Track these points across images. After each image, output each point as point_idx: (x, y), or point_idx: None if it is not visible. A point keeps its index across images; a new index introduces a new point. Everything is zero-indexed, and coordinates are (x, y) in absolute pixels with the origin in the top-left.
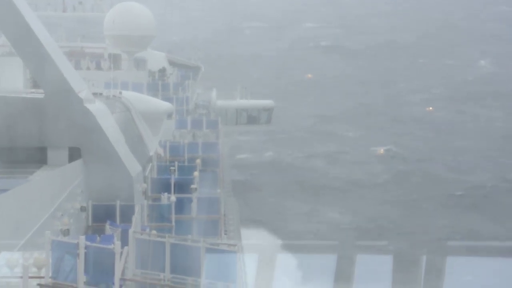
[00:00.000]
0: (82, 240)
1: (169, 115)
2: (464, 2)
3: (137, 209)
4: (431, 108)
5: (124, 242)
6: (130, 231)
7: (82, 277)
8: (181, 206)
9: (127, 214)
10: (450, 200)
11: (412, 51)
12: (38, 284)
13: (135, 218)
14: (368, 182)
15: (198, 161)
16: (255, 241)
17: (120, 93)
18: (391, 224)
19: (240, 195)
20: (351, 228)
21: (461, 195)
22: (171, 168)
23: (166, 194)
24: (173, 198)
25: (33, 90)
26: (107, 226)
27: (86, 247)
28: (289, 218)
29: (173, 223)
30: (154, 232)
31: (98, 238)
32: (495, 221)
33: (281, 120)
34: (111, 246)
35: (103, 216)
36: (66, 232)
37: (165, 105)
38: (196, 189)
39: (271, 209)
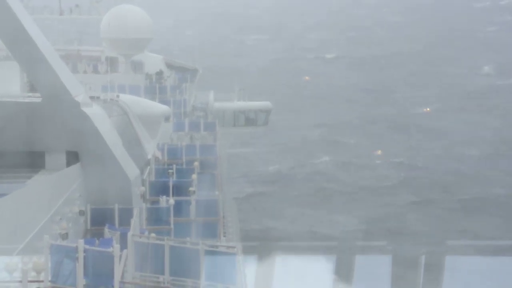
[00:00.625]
0: (81, 243)
1: (167, 118)
2: (469, 12)
3: (135, 212)
4: (428, 109)
5: (123, 245)
6: (129, 234)
7: (81, 281)
8: (179, 208)
9: (125, 217)
10: (456, 204)
11: (417, 60)
12: None
13: (134, 221)
14: (374, 187)
15: (196, 163)
16: (254, 242)
17: (118, 96)
18: (398, 226)
19: (251, 204)
20: (359, 230)
21: (465, 199)
22: (169, 171)
23: (164, 197)
24: (171, 201)
25: (30, 94)
26: (106, 230)
27: (85, 251)
28: (301, 223)
29: (172, 226)
30: (153, 235)
31: (97, 241)
32: (501, 224)
33: (283, 128)
34: (110, 249)
35: (102, 219)
36: (64, 236)
37: (163, 108)
38: (194, 191)
39: (281, 215)
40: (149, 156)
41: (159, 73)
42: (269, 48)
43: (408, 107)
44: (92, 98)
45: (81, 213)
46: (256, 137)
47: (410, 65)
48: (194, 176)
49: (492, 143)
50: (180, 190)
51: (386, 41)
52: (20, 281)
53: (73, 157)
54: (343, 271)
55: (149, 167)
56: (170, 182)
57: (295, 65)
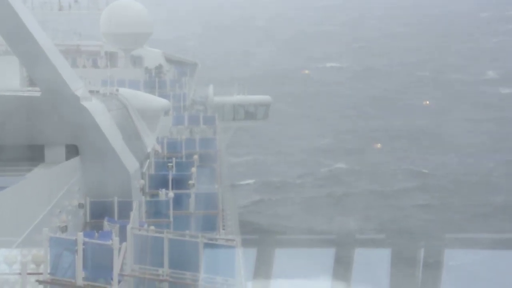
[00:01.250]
0: (80, 236)
1: (166, 112)
2: (472, 22)
3: (135, 205)
4: (427, 102)
5: (122, 238)
6: (128, 227)
7: (80, 273)
8: (179, 202)
9: (125, 210)
10: (470, 209)
11: (424, 69)
12: (37, 281)
13: (133, 214)
14: (387, 193)
15: (196, 157)
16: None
17: (117, 90)
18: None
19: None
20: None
21: (472, 204)
22: (169, 164)
23: (164, 190)
24: (171, 194)
25: (29, 88)
26: (105, 223)
27: (84, 243)
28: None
29: (171, 219)
30: (152, 227)
31: (96, 234)
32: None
33: (289, 135)
34: (109, 242)
35: (101, 212)
36: (64, 229)
37: (162, 102)
38: (193, 184)
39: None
40: (149, 150)
41: (159, 68)
42: (275, 58)
43: (415, 114)
44: (91, 92)
45: (81, 206)
46: (261, 146)
47: (418, 74)
48: (194, 169)
49: (500, 149)
50: (179, 183)
51: (393, 51)
52: (19, 274)
53: (72, 151)
54: (342, 264)
55: (148, 160)
56: (170, 176)
57: (302, 75)
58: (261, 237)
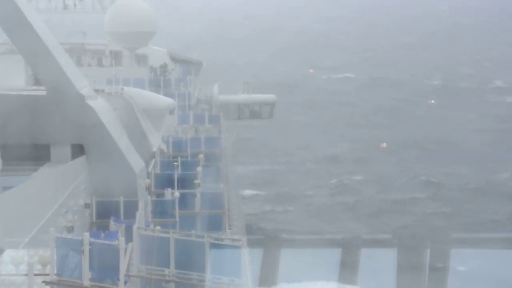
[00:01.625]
0: (86, 236)
1: (171, 111)
2: (479, 33)
3: (140, 205)
4: (432, 101)
5: (129, 238)
6: (134, 227)
7: (87, 274)
8: (184, 201)
9: (131, 210)
10: (482, 216)
11: (430, 77)
12: (43, 281)
13: (139, 214)
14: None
15: (201, 156)
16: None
17: (122, 89)
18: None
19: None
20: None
21: (489, 213)
22: (174, 163)
23: (169, 189)
24: (176, 193)
25: (35, 87)
26: (111, 222)
27: (90, 244)
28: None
29: (177, 219)
30: (158, 227)
31: (102, 234)
32: None
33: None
34: (115, 242)
35: (107, 212)
36: (70, 229)
37: (167, 101)
38: (199, 184)
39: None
40: (154, 149)
41: (163, 66)
42: (281, 68)
43: (423, 123)
44: (96, 91)
45: (87, 206)
46: (269, 156)
47: (425, 82)
48: (199, 168)
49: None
50: (185, 182)
51: (400, 61)
52: (26, 274)
53: (78, 150)
54: (348, 264)
55: (154, 159)
56: (175, 175)
57: (310, 84)
58: (267, 238)
